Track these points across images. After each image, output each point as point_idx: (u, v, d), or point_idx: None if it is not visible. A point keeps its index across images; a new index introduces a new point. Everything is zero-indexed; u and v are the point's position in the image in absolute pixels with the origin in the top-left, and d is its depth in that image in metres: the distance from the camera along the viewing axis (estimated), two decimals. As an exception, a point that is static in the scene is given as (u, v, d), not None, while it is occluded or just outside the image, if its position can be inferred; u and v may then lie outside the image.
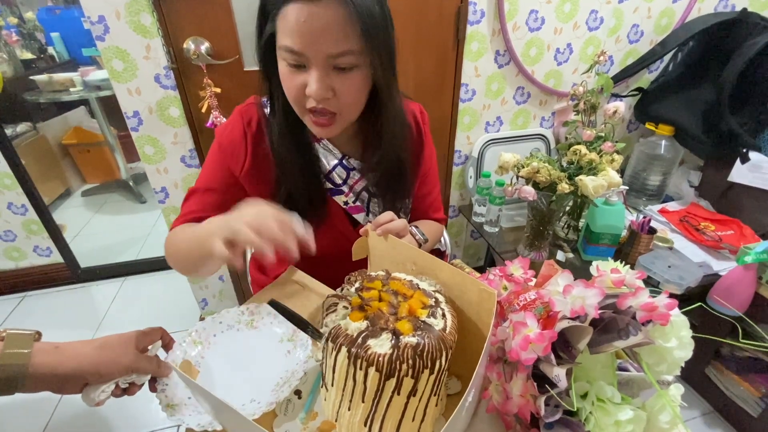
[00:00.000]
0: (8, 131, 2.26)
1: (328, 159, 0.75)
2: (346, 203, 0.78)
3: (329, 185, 0.76)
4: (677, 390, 0.46)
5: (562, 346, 0.45)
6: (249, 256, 1.03)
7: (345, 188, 0.77)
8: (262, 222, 0.49)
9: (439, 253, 1.10)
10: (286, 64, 0.58)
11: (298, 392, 0.58)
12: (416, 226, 0.79)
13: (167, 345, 0.60)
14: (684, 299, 0.80)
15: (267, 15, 0.58)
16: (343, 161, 0.75)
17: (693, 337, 0.46)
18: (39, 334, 0.49)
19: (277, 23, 0.56)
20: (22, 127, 2.45)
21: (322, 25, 0.53)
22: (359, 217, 0.79)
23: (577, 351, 0.43)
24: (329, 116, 0.62)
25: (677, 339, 0.44)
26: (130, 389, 0.55)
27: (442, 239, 1.09)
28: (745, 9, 1.31)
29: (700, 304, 0.50)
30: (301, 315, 0.55)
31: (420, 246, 0.76)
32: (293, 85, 0.59)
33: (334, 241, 0.79)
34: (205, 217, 0.59)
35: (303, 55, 0.56)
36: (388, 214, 0.67)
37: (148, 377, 0.56)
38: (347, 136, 0.75)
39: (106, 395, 0.52)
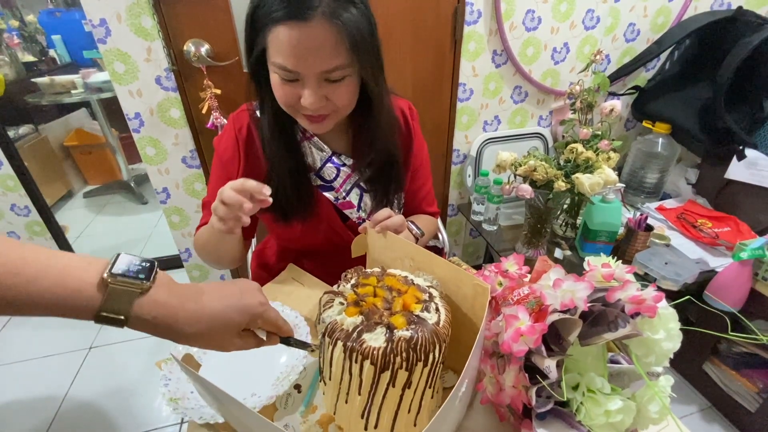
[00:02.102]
0: (11, 133, 2.28)
1: (319, 156, 0.77)
2: (336, 199, 0.79)
3: (319, 182, 0.78)
4: (667, 381, 0.47)
5: (554, 339, 0.46)
6: (250, 254, 1.04)
7: (335, 184, 0.78)
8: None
9: (437, 251, 1.11)
10: (278, 78, 0.61)
11: (297, 386, 0.59)
12: (412, 221, 0.80)
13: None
14: (681, 296, 0.81)
15: (257, 29, 0.59)
16: (333, 158, 0.77)
17: (685, 330, 0.47)
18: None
19: (269, 41, 0.58)
20: (24, 129, 2.48)
21: (313, 45, 0.56)
22: (349, 212, 0.81)
23: (568, 343, 0.44)
24: (324, 115, 0.65)
25: (665, 331, 0.45)
26: None
27: (439, 236, 1.10)
28: (740, 7, 1.32)
29: (689, 297, 0.51)
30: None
31: (416, 240, 0.78)
32: (286, 95, 0.62)
33: (324, 236, 0.82)
34: None
35: (296, 72, 0.59)
36: (386, 211, 0.68)
37: None
38: (337, 133, 0.77)
39: None
